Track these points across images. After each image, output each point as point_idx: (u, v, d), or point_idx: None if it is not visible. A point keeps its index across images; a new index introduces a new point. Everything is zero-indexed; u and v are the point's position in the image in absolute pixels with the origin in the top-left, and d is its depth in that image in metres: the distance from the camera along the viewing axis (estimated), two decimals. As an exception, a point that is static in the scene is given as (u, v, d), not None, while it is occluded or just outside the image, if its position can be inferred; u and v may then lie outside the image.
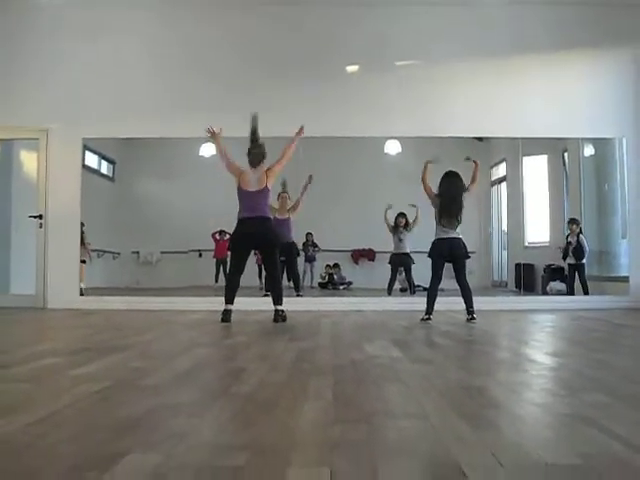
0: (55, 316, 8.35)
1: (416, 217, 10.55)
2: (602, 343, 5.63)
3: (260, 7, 9.76)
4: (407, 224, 10.75)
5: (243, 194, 7.39)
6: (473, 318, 7.35)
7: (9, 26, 9.80)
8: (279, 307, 7.37)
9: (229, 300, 7.36)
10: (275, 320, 7.24)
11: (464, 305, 7.52)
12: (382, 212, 10.80)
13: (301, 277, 11.15)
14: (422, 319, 7.43)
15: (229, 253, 7.69)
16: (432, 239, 7.75)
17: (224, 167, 7.61)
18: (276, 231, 7.65)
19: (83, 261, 9.98)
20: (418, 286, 10.56)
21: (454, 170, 7.84)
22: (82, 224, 9.75)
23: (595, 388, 3.25)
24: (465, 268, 7.70)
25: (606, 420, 2.50)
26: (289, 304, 7.83)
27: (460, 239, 7.63)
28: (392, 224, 10.83)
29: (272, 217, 7.64)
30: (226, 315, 7.22)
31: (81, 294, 9.67)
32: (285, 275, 9.74)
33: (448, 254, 7.60)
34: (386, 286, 10.71)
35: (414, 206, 10.35)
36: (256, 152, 7.49)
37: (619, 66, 9.94)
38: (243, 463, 1.98)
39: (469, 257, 7.81)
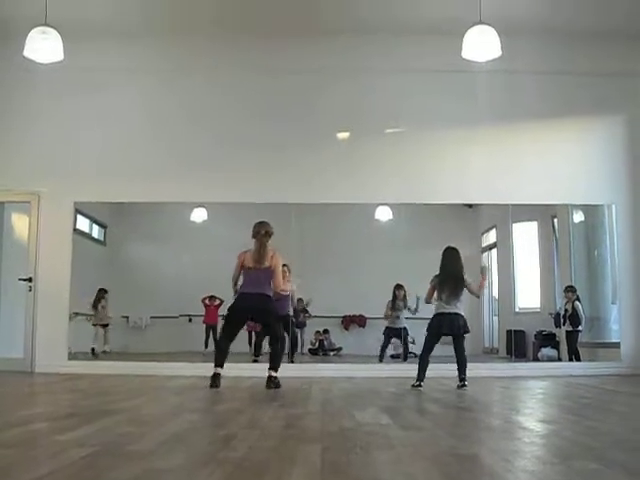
0: (43, 380, 8.27)
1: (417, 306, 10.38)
2: (593, 410, 5.61)
3: (249, 74, 9.88)
4: (405, 297, 10.67)
5: (248, 270, 7.44)
6: (464, 385, 7.32)
7: (4, 85, 9.85)
8: (273, 373, 7.28)
9: (219, 364, 7.28)
10: (268, 387, 7.13)
11: (457, 372, 7.49)
12: (373, 278, 10.80)
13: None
14: (413, 385, 7.39)
15: (222, 321, 7.70)
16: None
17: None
18: (274, 307, 7.62)
19: (106, 325, 10.03)
20: (411, 353, 10.50)
21: (454, 246, 7.85)
22: (105, 290, 9.76)
23: (586, 455, 3.23)
24: (464, 341, 7.67)
25: (598, 488, 2.49)
26: (280, 370, 7.77)
27: (460, 315, 7.59)
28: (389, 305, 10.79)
29: (272, 294, 7.56)
30: (215, 380, 7.12)
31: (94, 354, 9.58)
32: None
33: (447, 330, 7.57)
34: (378, 352, 10.67)
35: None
36: (266, 230, 7.49)
37: (609, 134, 10.06)
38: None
39: (468, 332, 7.76)
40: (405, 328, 10.64)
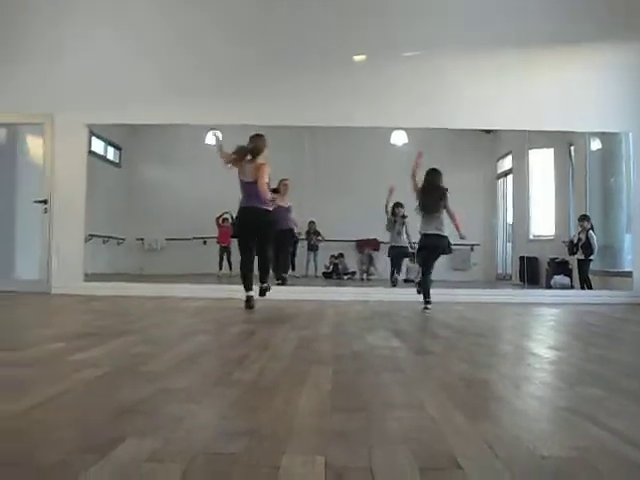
0: (59, 301, 8.36)
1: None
2: (603, 338, 5.63)
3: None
4: (404, 215, 10.64)
5: (241, 183, 7.51)
6: (427, 308, 7.61)
7: (13, 11, 9.77)
8: (264, 285, 7.71)
9: (247, 288, 7.51)
10: (261, 294, 7.67)
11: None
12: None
13: (304, 266, 11.19)
14: (423, 309, 7.49)
15: (234, 240, 7.86)
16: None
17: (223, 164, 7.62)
18: (271, 221, 7.70)
19: None
20: (411, 280, 10.52)
21: (436, 168, 7.92)
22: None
23: (593, 382, 3.25)
24: (434, 261, 7.84)
25: (602, 414, 2.51)
26: (293, 293, 7.85)
27: (441, 236, 7.67)
28: (390, 214, 10.78)
29: (269, 207, 7.61)
30: (249, 302, 7.44)
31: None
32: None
33: (431, 247, 7.70)
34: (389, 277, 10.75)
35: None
36: (254, 145, 7.49)
37: (627, 60, 9.88)
38: (240, 450, 1.99)
39: (449, 253, 7.92)
40: (407, 247, 10.63)
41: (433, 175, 7.83)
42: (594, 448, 2.06)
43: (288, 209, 9.92)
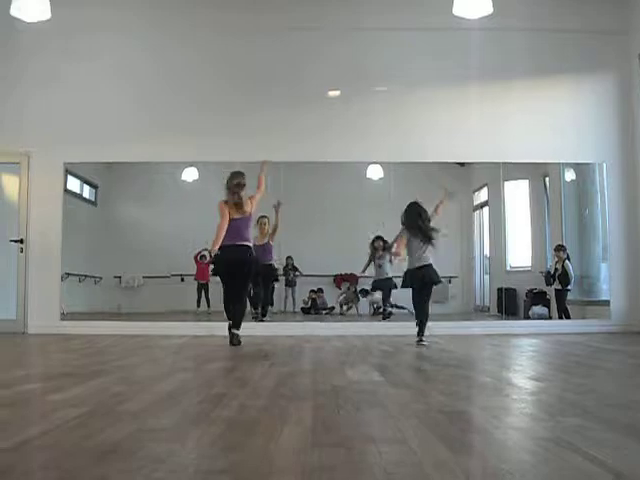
0: (35, 341, 8.30)
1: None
2: (582, 367, 5.65)
3: (241, 32, 9.80)
4: (385, 248, 10.69)
5: (230, 223, 7.43)
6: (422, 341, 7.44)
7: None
8: (237, 331, 7.40)
9: (234, 326, 7.44)
10: (232, 343, 7.30)
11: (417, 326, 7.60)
12: (364, 237, 10.82)
13: (282, 302, 11.19)
14: (417, 342, 7.43)
15: (213, 278, 7.78)
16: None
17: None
18: (255, 259, 7.69)
19: None
20: (403, 307, 10.52)
21: (414, 201, 7.78)
22: None
23: (574, 412, 3.26)
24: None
25: (584, 444, 2.51)
26: (272, 328, 7.82)
27: (431, 266, 7.58)
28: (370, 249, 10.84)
29: (252, 244, 7.64)
30: (233, 339, 7.34)
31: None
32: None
33: (419, 282, 7.59)
34: (372, 312, 10.81)
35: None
36: (236, 182, 7.48)
37: (600, 92, 10.02)
38: (221, 488, 1.98)
39: (440, 282, 7.81)
40: (391, 279, 10.65)
41: (413, 212, 7.66)
42: (577, 479, 2.06)
43: (267, 246, 9.92)
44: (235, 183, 7.46)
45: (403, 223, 7.68)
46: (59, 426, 2.88)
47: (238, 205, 7.41)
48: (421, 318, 7.56)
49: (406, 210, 7.74)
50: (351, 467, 2.25)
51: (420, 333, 7.49)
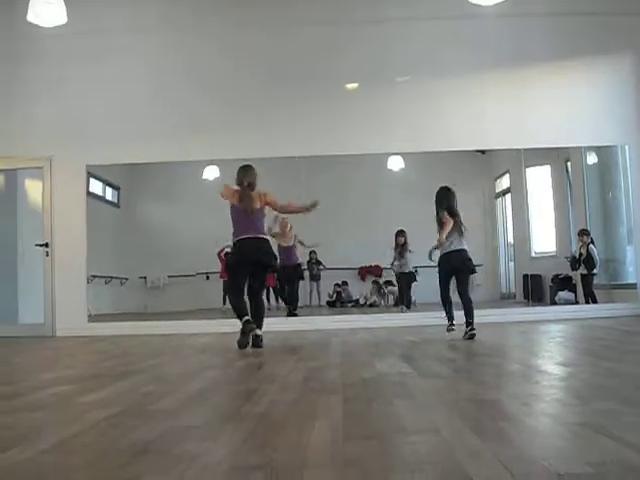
0: (64, 344, 8.34)
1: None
2: (611, 351, 5.61)
3: (260, 27, 9.79)
4: (406, 242, 10.72)
5: (238, 214, 6.92)
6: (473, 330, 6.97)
7: (12, 53, 9.80)
8: (259, 332, 6.65)
9: (243, 314, 6.63)
10: (256, 345, 6.55)
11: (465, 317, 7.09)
12: (388, 228, 10.84)
13: (307, 296, 11.20)
14: (447, 329, 7.07)
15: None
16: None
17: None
18: (273, 253, 7.15)
19: None
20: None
21: (445, 185, 7.54)
22: None
23: (605, 396, 3.25)
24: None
25: (617, 428, 2.49)
26: (298, 323, 7.82)
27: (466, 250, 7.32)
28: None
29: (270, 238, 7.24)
30: (246, 329, 6.56)
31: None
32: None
33: (457, 265, 7.28)
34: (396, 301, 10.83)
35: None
36: (247, 183, 6.93)
37: (620, 74, 9.94)
38: (256, 484, 1.98)
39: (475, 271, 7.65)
40: (412, 272, 10.70)
41: (452, 197, 7.29)
42: (611, 463, 2.05)
43: (293, 247, 9.98)
44: (247, 184, 6.93)
45: (443, 208, 7.39)
46: (93, 427, 2.91)
47: (247, 205, 6.80)
48: (468, 306, 7.06)
49: (444, 194, 7.31)
50: (384, 459, 2.24)
51: (469, 324, 6.96)
